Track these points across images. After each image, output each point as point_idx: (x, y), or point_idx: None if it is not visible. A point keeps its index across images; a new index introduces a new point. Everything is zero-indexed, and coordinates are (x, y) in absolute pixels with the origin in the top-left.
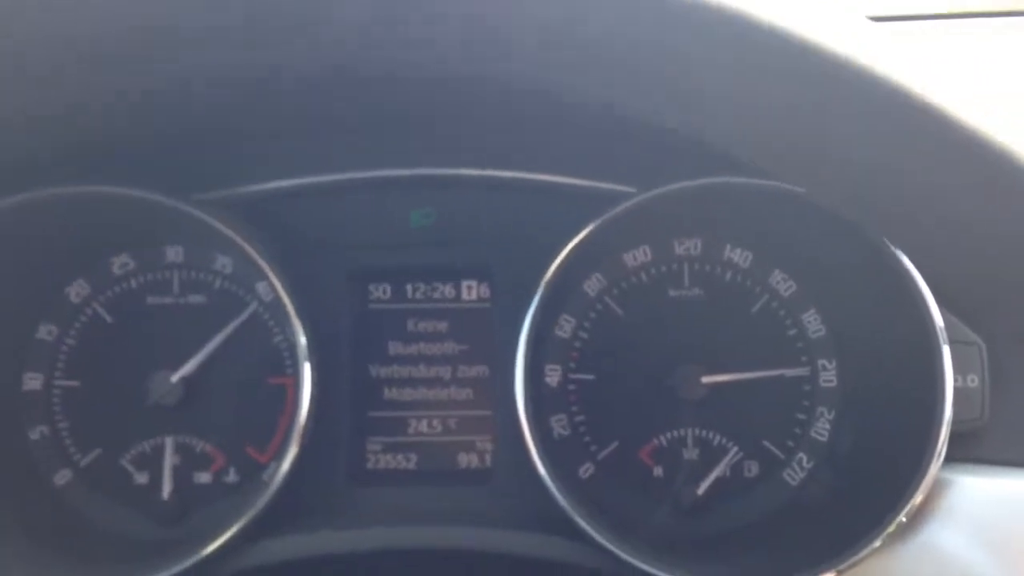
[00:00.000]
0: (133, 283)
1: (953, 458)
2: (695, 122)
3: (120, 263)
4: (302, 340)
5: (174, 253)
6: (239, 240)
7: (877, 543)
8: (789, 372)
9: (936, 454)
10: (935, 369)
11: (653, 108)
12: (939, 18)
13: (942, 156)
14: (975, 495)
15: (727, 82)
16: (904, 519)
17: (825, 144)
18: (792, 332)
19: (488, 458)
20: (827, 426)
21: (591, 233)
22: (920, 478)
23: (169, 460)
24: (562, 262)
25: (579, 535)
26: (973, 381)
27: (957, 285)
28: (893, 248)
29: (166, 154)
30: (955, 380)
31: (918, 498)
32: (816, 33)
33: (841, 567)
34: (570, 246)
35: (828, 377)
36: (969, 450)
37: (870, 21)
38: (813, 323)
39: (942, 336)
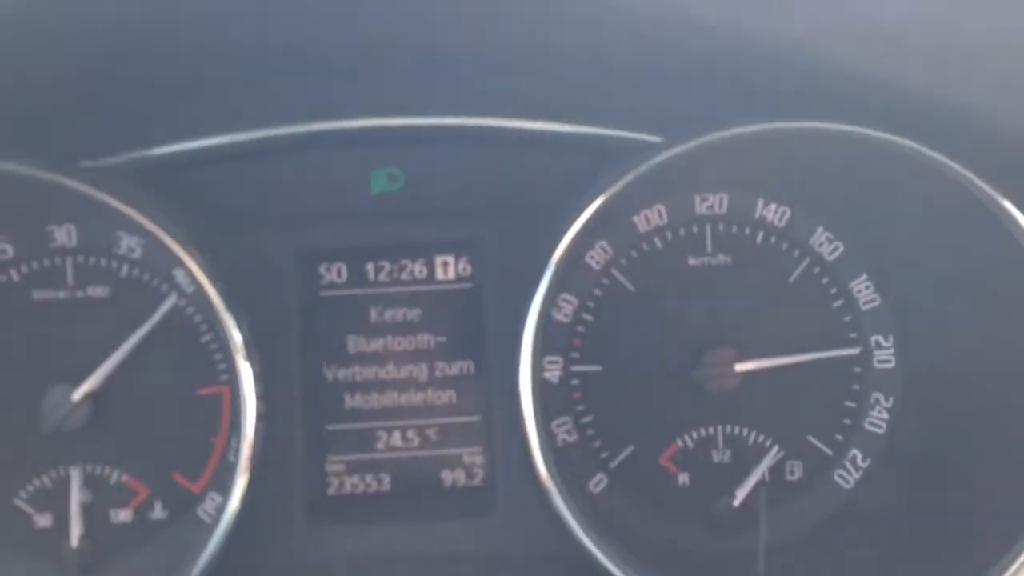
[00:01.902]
0: (14, 274)
1: None
2: None
3: None
4: (236, 337)
5: (64, 234)
6: (141, 218)
7: None
8: (836, 353)
9: None
10: None
11: None
12: None
13: None
14: None
15: None
16: None
17: None
18: (839, 304)
19: (478, 473)
20: (884, 416)
21: (615, 195)
22: None
23: (77, 496)
24: (579, 232)
25: (595, 569)
26: None
27: None
28: (994, 192)
29: (50, 109)
30: None
31: None
32: None
33: None
34: (589, 211)
35: (884, 357)
36: None
37: None
38: (865, 292)
39: None
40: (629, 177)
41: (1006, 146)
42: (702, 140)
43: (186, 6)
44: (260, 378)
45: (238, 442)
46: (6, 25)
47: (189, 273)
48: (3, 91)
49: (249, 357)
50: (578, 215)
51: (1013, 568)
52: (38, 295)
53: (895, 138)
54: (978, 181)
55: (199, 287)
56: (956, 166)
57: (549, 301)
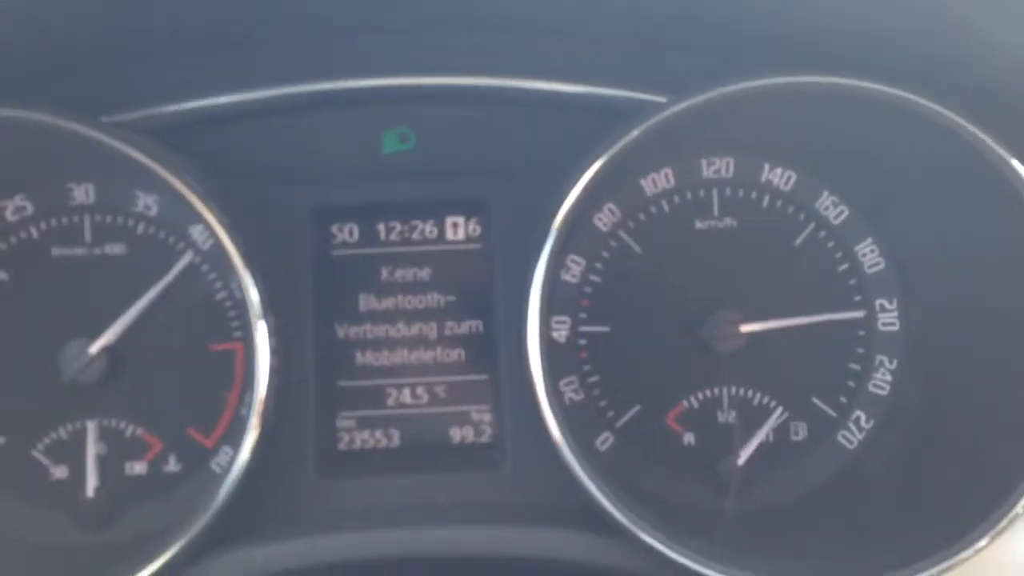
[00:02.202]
0: (33, 231)
1: None
2: None
3: (14, 207)
4: (254, 295)
5: (83, 192)
6: (163, 172)
7: (982, 542)
8: (841, 315)
9: None
10: None
11: None
12: None
13: None
14: None
15: None
16: (1022, 510)
17: None
18: (844, 267)
19: (487, 431)
20: (887, 378)
21: (617, 154)
22: None
23: (93, 448)
24: (582, 192)
25: (603, 522)
26: None
27: None
28: (1003, 151)
29: (65, 66)
30: None
31: None
32: None
33: (932, 571)
34: (592, 171)
35: (888, 319)
36: None
37: None
38: (870, 256)
39: None
40: (632, 135)
41: (1015, 104)
42: (704, 97)
43: None
44: (274, 334)
45: (251, 397)
46: None
47: (207, 228)
48: (24, 47)
49: (264, 314)
50: (580, 176)
51: (1003, 524)
52: (57, 252)
53: (899, 92)
54: (987, 139)
55: (216, 243)
56: (964, 122)
57: (556, 262)
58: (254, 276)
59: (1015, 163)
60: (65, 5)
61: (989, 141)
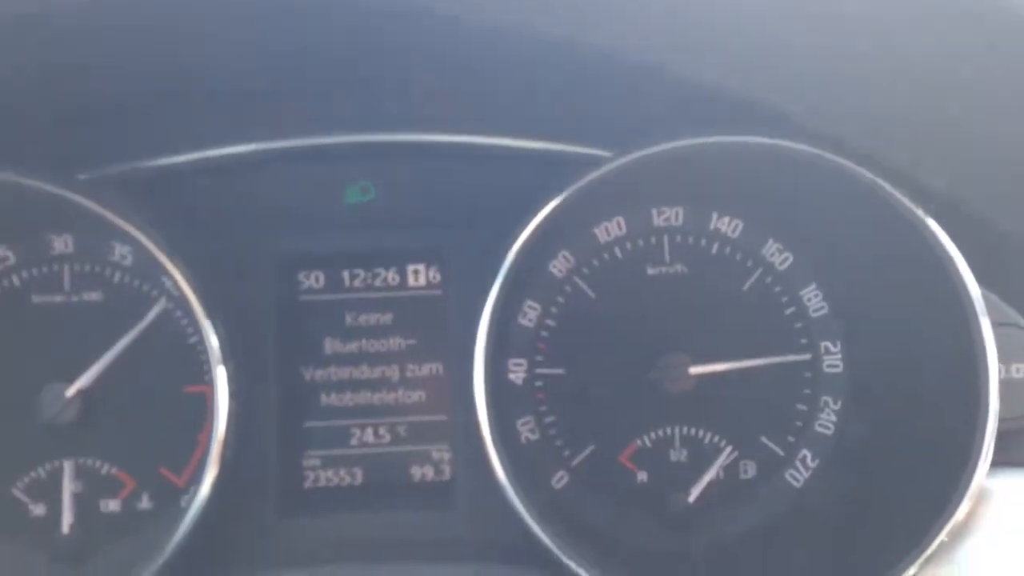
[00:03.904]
0: (15, 280)
1: (996, 462)
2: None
3: None
4: (213, 341)
5: (62, 243)
6: (129, 227)
7: (912, 570)
8: (787, 358)
9: (982, 457)
10: (973, 354)
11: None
12: None
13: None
14: None
15: None
16: (946, 538)
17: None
18: (790, 312)
19: (446, 469)
20: (832, 418)
21: (561, 205)
22: (964, 486)
23: (69, 487)
24: (527, 239)
25: (553, 563)
26: (1020, 371)
27: (998, 257)
28: (917, 209)
29: (42, 124)
30: (999, 370)
31: (962, 511)
32: None
33: None
34: (536, 220)
35: (832, 362)
36: (1013, 453)
37: None
38: (814, 300)
39: (981, 313)
40: (576, 187)
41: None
42: (643, 153)
43: (170, 31)
44: (234, 379)
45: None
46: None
47: (175, 280)
48: (4, 107)
49: (225, 360)
50: (528, 223)
51: (929, 551)
52: (37, 299)
53: (821, 152)
54: (903, 199)
55: (183, 294)
56: (880, 181)
57: (508, 306)
58: (215, 324)
59: (930, 222)
60: (43, 72)
61: (905, 201)
